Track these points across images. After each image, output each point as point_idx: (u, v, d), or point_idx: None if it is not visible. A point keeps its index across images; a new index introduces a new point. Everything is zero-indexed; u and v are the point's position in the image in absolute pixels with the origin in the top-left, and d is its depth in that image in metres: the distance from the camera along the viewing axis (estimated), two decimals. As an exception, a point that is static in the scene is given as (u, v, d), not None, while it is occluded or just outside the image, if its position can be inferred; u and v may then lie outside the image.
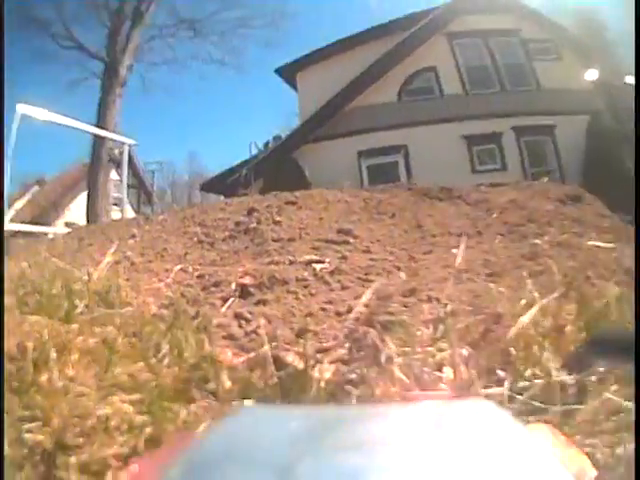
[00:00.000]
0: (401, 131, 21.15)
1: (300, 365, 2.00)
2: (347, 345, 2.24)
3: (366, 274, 3.85)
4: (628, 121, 22.62)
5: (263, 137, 46.92)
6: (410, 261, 4.51)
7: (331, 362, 2.08)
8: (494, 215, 6.89)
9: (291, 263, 4.18)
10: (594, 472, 0.68)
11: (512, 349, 2.26)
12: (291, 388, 1.91)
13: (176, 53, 30.25)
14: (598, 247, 5.64)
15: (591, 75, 24.00)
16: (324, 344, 2.30)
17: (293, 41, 66.22)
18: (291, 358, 2.06)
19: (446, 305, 2.65)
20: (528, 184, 9.99)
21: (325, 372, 1.95)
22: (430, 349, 2.20)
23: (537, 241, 5.30)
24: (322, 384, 1.91)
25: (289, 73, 24.82)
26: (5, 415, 1.53)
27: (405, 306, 2.97)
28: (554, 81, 22.28)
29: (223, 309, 3.04)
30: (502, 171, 20.09)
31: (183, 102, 70.78)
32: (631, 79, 26.43)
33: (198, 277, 3.82)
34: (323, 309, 2.98)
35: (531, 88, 22.78)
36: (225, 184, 22.13)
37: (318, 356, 2.09)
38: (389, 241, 5.54)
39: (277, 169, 19.00)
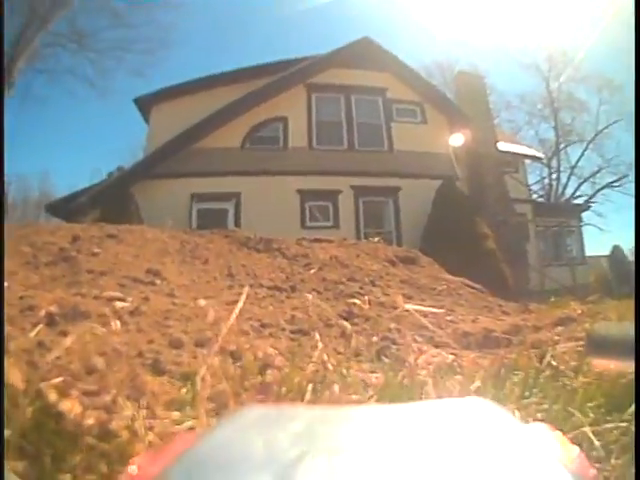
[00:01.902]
0: (237, 178, 21.10)
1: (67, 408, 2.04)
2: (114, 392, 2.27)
3: (165, 318, 3.95)
4: (487, 188, 24.00)
5: (112, 166, 46.39)
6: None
7: (95, 408, 2.12)
8: (312, 270, 7.04)
9: (96, 298, 4.27)
10: (593, 471, 0.65)
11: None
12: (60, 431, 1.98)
13: (59, 64, 30.03)
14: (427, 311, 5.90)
15: (456, 140, 24.68)
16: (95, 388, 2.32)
17: (166, 73, 65.27)
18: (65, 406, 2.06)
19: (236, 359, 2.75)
20: (355, 242, 10.23)
21: (88, 418, 2.01)
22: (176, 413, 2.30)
23: (356, 300, 5.52)
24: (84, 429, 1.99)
25: (146, 105, 24.27)
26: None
27: (195, 357, 3.10)
28: (410, 143, 22.77)
29: (31, 334, 2.96)
30: (334, 229, 20.41)
31: (50, 116, 68.41)
32: (505, 146, 27.33)
33: (20, 298, 3.82)
34: (115, 350, 2.98)
35: (382, 149, 23.22)
36: (67, 208, 21.45)
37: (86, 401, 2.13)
38: (195, 287, 5.72)
39: (114, 201, 18.52)
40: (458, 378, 2.73)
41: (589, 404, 2.38)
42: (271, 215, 19.32)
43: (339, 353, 3.49)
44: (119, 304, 4.08)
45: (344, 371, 2.76)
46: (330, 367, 2.75)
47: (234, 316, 3.21)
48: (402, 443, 0.58)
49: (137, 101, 24.50)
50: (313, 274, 6.93)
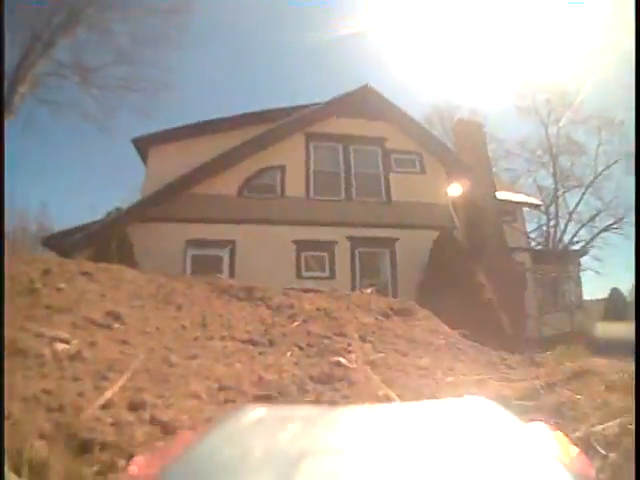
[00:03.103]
0: (233, 226, 20.87)
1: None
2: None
3: (108, 368, 3.48)
4: (486, 238, 23.58)
5: (109, 203, 46.02)
6: (164, 364, 4.09)
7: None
8: (296, 323, 6.38)
9: (38, 336, 3.84)
10: (593, 471, 0.67)
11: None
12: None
13: (61, 96, 30.29)
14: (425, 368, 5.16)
15: (454, 190, 24.35)
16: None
17: (166, 113, 65.37)
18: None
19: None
20: (346, 293, 9.55)
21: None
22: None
23: (341, 359, 4.79)
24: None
25: (144, 146, 23.85)
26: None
27: (114, 424, 2.61)
28: (408, 194, 22.57)
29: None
30: (330, 279, 19.79)
31: (50, 147, 68.34)
32: (503, 195, 27.06)
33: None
34: (37, 398, 2.68)
35: (379, 200, 22.89)
36: (63, 244, 21.05)
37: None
38: (158, 335, 5.16)
39: (108, 241, 18.17)
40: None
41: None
42: (266, 264, 19.03)
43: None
44: (60, 346, 3.69)
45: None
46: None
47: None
48: (402, 442, 0.60)
49: (135, 141, 24.15)
50: (296, 327, 6.32)
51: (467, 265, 19.93)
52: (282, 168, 22.50)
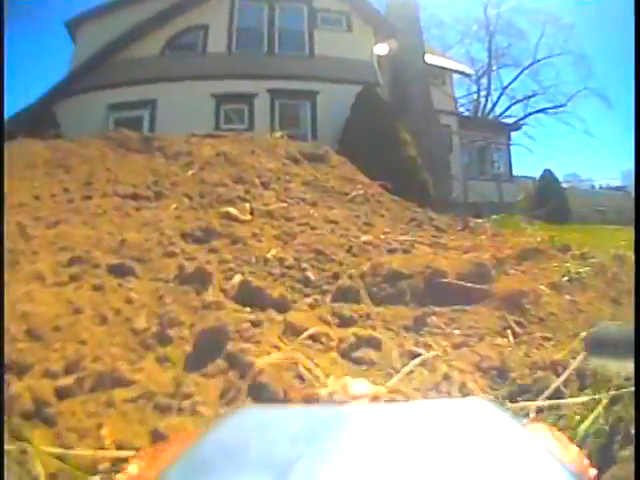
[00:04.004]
0: (153, 86, 20.66)
1: None
2: None
3: None
4: (410, 96, 23.82)
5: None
6: (21, 238, 3.54)
7: None
8: (191, 171, 5.75)
9: None
10: (594, 471, 0.60)
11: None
12: None
13: None
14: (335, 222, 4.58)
15: (380, 49, 24.27)
16: None
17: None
18: None
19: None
20: (250, 136, 8.94)
21: None
22: None
23: (231, 209, 4.22)
24: None
25: (73, 27, 23.18)
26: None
27: None
28: (332, 50, 22.46)
29: None
30: (248, 131, 18.67)
31: None
32: (432, 59, 26.73)
33: None
34: None
35: (302, 54, 22.89)
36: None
37: None
38: (34, 205, 4.68)
39: (36, 123, 17.43)
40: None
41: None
42: (185, 119, 18.21)
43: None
44: None
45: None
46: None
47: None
48: (401, 443, 0.56)
49: (67, 25, 23.42)
50: (191, 175, 5.79)
51: (390, 121, 19.72)
52: (205, 27, 22.32)
